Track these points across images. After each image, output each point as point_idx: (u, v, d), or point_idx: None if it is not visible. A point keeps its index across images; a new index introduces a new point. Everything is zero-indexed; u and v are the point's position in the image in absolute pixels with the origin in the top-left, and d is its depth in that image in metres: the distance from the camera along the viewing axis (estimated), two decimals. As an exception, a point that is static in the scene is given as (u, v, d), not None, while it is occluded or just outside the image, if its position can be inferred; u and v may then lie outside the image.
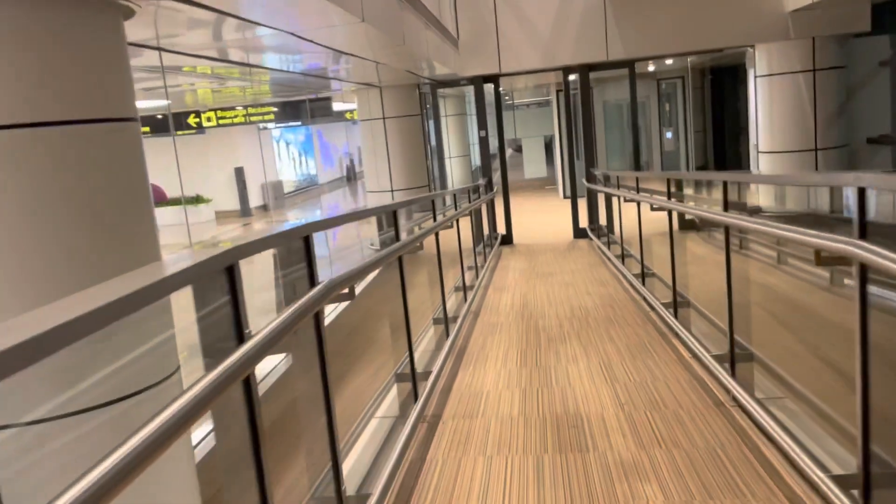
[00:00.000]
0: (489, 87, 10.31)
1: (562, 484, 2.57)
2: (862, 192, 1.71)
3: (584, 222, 10.26)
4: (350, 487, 2.45)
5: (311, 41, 4.22)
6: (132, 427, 0.89)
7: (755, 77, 9.85)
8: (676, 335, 4.22)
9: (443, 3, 8.23)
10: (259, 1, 3.39)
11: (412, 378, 3.32)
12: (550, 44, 9.66)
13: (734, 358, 3.15)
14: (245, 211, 19.18)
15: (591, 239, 9.76)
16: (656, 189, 5.70)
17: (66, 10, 2.31)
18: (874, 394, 1.80)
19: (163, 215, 16.50)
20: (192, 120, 11.59)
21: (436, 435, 3.14)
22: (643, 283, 5.72)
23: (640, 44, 9.53)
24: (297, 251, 1.96)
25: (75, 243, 2.32)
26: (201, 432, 2.99)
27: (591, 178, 9.89)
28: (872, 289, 1.75)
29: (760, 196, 4.18)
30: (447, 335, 4.58)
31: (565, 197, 14.73)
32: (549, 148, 20.40)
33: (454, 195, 5.90)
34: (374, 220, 4.97)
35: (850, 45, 9.37)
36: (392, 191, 10.08)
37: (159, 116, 11.75)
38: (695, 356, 3.75)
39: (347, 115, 17.49)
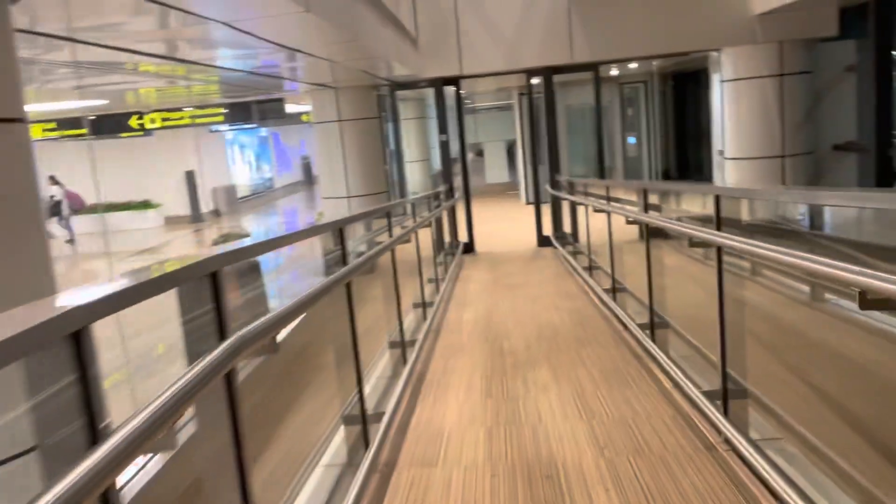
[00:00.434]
0: (450, 90, 9.91)
1: (537, 557, 2.16)
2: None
3: (547, 229, 9.92)
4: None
5: (251, 34, 3.76)
6: None
7: (721, 82, 9.65)
8: (654, 360, 3.86)
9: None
10: (185, -15, 2.93)
11: (362, 420, 2.88)
12: (514, 45, 9.31)
13: (727, 394, 2.79)
14: (196, 216, 18.45)
15: (555, 247, 9.42)
16: (627, 199, 5.36)
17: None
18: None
19: (108, 221, 15.76)
20: (133, 122, 10.95)
21: (389, 488, 2.70)
22: (614, 299, 5.36)
23: (605, 46, 9.24)
24: (203, 290, 1.51)
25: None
26: None
27: (555, 184, 9.56)
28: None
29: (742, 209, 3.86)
30: (404, 361, 4.15)
31: (528, 202, 14.42)
32: (511, 152, 20.11)
33: (412, 204, 5.46)
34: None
35: (816, 49, 9.22)
36: (348, 197, 9.60)
37: (92, 117, 11.08)
38: (677, 386, 3.39)
39: (304, 118, 16.93)
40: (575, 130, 14.26)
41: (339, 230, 2.73)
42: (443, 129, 9.94)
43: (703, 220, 4.02)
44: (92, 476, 0.93)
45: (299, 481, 2.49)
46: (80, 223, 16.56)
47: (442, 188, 9.48)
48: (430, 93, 9.96)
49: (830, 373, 2.79)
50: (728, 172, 9.79)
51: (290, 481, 2.42)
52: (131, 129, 11.06)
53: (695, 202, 5.53)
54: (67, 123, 11.32)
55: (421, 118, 16.24)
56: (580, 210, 8.09)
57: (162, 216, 18.29)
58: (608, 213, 5.29)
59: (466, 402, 3.63)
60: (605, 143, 10.60)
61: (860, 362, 2.62)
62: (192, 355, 1.52)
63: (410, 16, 8.87)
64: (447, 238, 9.40)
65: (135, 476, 1.84)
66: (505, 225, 12.70)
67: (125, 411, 1.10)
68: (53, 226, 15.56)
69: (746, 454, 2.53)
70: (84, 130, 11.22)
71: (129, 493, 1.76)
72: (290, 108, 16.66)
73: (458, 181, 10.32)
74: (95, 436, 1.05)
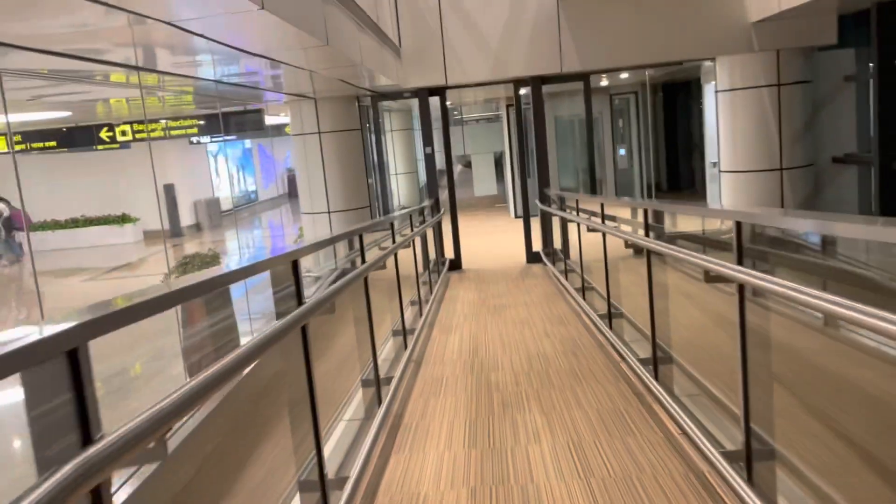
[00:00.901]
0: (435, 101, 9.51)
1: None
2: None
3: (537, 245, 9.51)
4: None
5: (203, 36, 3.33)
6: None
7: (716, 92, 9.30)
8: (658, 401, 3.43)
9: (381, 5, 7.40)
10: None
11: (321, 487, 2.43)
12: (501, 54, 8.93)
13: (751, 456, 2.36)
14: (175, 231, 17.91)
15: (545, 264, 9.02)
16: (624, 217, 4.96)
17: None
18: None
19: (85, 236, 15.26)
20: (104, 134, 10.46)
21: (352, 572, 2.25)
22: (610, 326, 4.95)
23: (595, 56, 8.88)
24: (56, 376, 1.08)
25: None
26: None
27: (544, 198, 9.16)
28: None
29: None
30: (379, 401, 3.70)
31: (517, 216, 14.03)
32: (499, 165, 19.76)
33: (391, 224, 5.03)
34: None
35: (815, 58, 8.90)
36: (329, 212, 9.17)
37: (64, 129, 10.59)
38: (685, 435, 2.96)
39: (287, 130, 16.49)
40: (564, 142, 13.91)
41: (293, 264, 2.30)
42: (428, 141, 9.54)
43: (715, 245, 3.61)
44: None
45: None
46: (50, 239, 16.01)
47: (427, 203, 9.06)
48: (416, 103, 9.56)
49: (868, 424, 2.37)
50: (723, 186, 9.43)
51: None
52: (102, 142, 10.58)
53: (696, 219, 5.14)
54: (35, 136, 10.84)
55: (408, 130, 15.88)
56: (571, 226, 7.69)
57: (140, 231, 17.75)
58: (604, 234, 4.88)
59: (447, 453, 3.19)
60: (596, 156, 10.22)
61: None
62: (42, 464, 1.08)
63: (392, 24, 8.48)
64: (433, 255, 8.98)
65: None
66: (493, 239, 12.29)
67: None
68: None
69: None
70: (53, 143, 10.75)
71: None
72: (274, 119, 16.23)
73: (445, 194, 9.92)
74: None
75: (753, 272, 2.03)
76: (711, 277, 2.30)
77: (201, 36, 3.33)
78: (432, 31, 8.86)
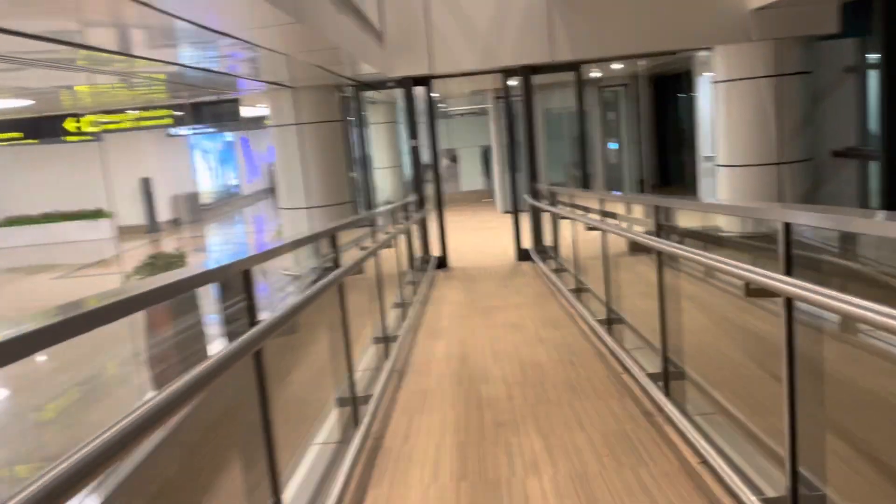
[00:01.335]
0: (420, 91, 9.07)
1: None
2: None
3: (527, 242, 9.12)
4: None
5: (151, 6, 2.89)
6: None
7: (713, 83, 8.94)
8: (670, 421, 3.05)
9: (362, -13, 6.96)
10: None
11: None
12: (489, 42, 8.50)
13: (797, 499, 1.98)
14: (153, 226, 17.35)
15: (535, 262, 8.62)
16: (624, 215, 4.57)
17: None
18: None
19: (58, 231, 14.70)
20: (70, 125, 9.92)
21: None
22: (609, 331, 4.56)
23: (588, 44, 8.47)
24: None
25: None
26: None
27: (535, 193, 8.76)
28: None
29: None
30: (356, 422, 3.29)
31: (504, 211, 13.65)
32: (487, 158, 19.36)
33: (371, 222, 4.60)
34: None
35: (815, 48, 8.55)
36: (308, 207, 8.72)
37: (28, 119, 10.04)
38: (706, 465, 2.58)
39: (267, 122, 15.98)
40: (553, 136, 13.54)
41: (244, 274, 1.88)
42: (413, 133, 9.11)
43: (716, 242, 3.24)
44: None
45: None
46: (21, 234, 15.43)
47: (412, 198, 8.64)
48: (401, 94, 9.13)
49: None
50: (720, 181, 9.08)
51: None
52: (67, 133, 10.04)
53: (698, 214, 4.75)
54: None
55: (392, 122, 15.41)
56: (563, 222, 7.30)
57: (115, 226, 17.18)
58: (603, 233, 4.49)
59: (434, 487, 2.78)
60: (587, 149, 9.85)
61: None
62: None
63: (375, 8, 8.03)
64: (418, 252, 8.56)
65: None
66: (480, 236, 11.89)
67: None
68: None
69: None
70: (17, 134, 10.21)
71: None
72: (255, 111, 15.70)
73: (431, 189, 9.49)
74: None
75: (811, 286, 1.64)
76: (755, 291, 1.90)
77: (160, 11, 2.89)
78: (417, 17, 8.42)
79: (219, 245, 17.61)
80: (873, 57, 8.41)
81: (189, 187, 19.90)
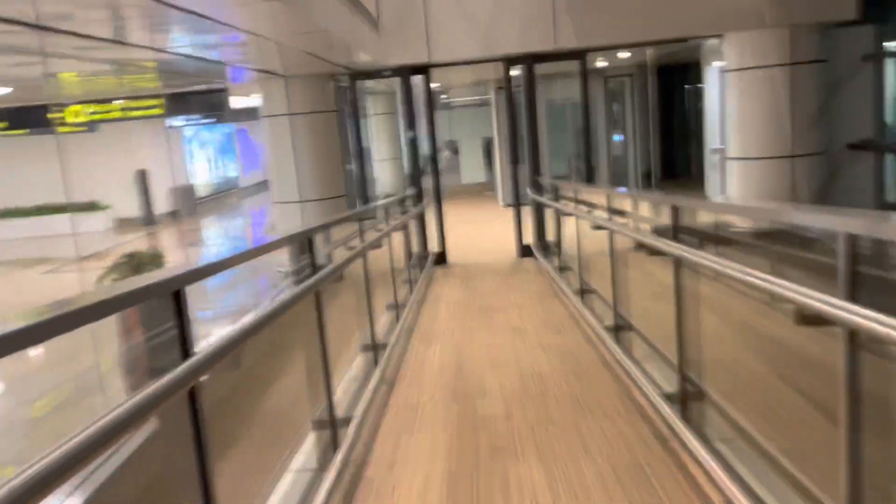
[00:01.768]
0: (418, 80, 8.70)
1: None
2: None
3: (528, 237, 8.75)
4: None
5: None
6: None
7: (724, 72, 8.55)
8: (688, 450, 2.70)
9: (355, -31, 6.58)
10: None
11: None
12: (490, 29, 8.12)
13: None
14: (148, 219, 17.00)
15: (537, 259, 8.27)
16: (633, 212, 4.21)
17: None
18: None
19: (52, 224, 14.35)
20: (57, 115, 9.57)
21: None
22: (617, 339, 4.21)
23: (593, 31, 8.08)
24: None
25: None
26: None
27: (537, 187, 8.40)
28: None
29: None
30: (335, 447, 2.95)
31: (506, 205, 13.28)
32: (488, 150, 18.97)
33: (359, 220, 4.24)
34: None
35: (831, 36, 8.15)
36: (301, 202, 8.37)
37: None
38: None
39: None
40: (556, 128, 13.14)
41: (174, 296, 1.54)
42: (410, 124, 8.75)
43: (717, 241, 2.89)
44: None
45: None
46: (14, 227, 15.12)
47: (409, 192, 8.29)
48: (399, 83, 8.75)
49: None
50: (730, 175, 8.70)
51: None
52: (49, 123, 9.69)
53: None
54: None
55: (391, 114, 15.05)
56: (568, 218, 6.94)
57: (111, 218, 16.85)
58: (611, 233, 4.13)
59: (419, 527, 2.45)
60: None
61: None
62: None
63: (370, -8, 7.65)
64: (415, 248, 8.21)
65: None
66: (481, 230, 11.53)
67: None
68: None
69: None
70: (3, 124, 9.87)
71: None
72: (253, 101, 15.32)
73: (430, 182, 9.13)
74: None
75: (886, 318, 1.28)
76: (811, 319, 1.55)
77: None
78: (415, 2, 8.04)
79: (215, 238, 17.29)
80: (892, 45, 8.03)
81: (185, 179, 19.56)
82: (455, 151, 21.65)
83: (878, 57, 8.12)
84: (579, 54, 8.40)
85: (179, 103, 10.52)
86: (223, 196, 22.73)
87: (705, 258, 2.32)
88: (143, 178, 17.12)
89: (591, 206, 5.41)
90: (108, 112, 9.67)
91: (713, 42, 9.29)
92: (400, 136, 14.97)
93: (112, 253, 14.86)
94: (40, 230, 15.58)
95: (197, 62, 6.71)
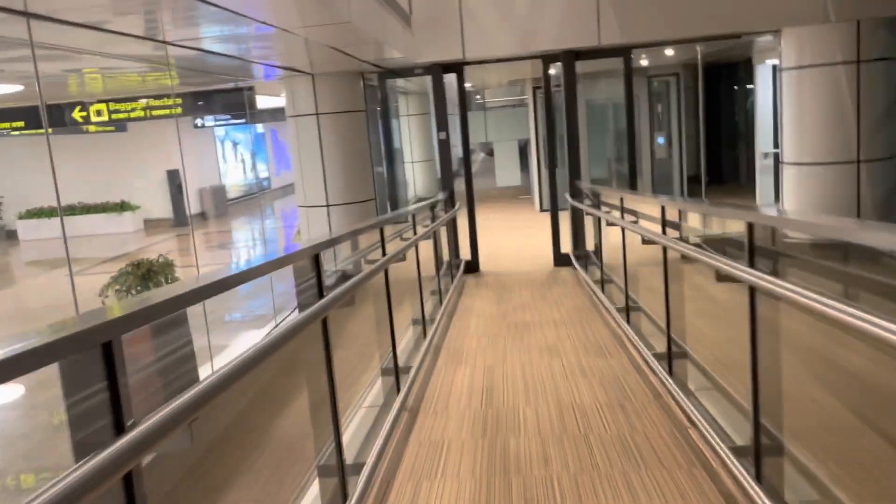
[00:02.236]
0: (451, 79, 8.26)
1: None
2: None
3: (566, 245, 8.24)
4: None
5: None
6: None
7: (780, 70, 7.93)
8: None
9: (385, -41, 6.16)
10: None
11: None
12: (528, 24, 7.64)
13: None
14: (180, 220, 16.86)
15: (576, 269, 7.76)
16: (693, 227, 3.70)
17: None
18: None
19: (82, 224, 14.22)
20: (77, 114, 9.38)
21: None
22: (670, 371, 3.71)
23: (639, 26, 7.55)
24: None
25: None
26: None
27: (576, 193, 7.89)
28: None
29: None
30: (344, 497, 2.51)
31: (542, 210, 12.77)
32: (524, 153, 18.45)
33: (380, 230, 3.80)
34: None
35: (901, 31, 7.50)
36: (328, 206, 8.00)
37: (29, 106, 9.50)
38: None
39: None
40: (596, 129, 12.58)
41: (103, 348, 1.12)
42: (442, 125, 8.31)
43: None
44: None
45: None
46: (44, 227, 15.06)
47: (440, 196, 7.85)
48: (430, 83, 8.32)
49: None
50: (786, 180, 8.08)
51: None
52: (74, 123, 9.50)
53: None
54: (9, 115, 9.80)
55: (426, 114, 14.64)
56: (611, 226, 6.42)
57: (141, 219, 16.74)
58: (665, 249, 3.63)
59: None
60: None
61: None
62: None
63: (402, -14, 7.24)
64: (446, 256, 7.76)
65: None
66: (516, 237, 11.04)
67: None
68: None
69: None
70: (20, 123, 9.72)
71: None
72: (282, 101, 15.06)
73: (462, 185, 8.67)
74: None
75: None
76: None
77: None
78: (449, -3, 7.60)
79: (244, 241, 17.08)
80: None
81: (216, 180, 19.41)
82: (490, 154, 21.17)
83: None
84: (624, 51, 7.87)
85: (207, 102, 10.25)
86: (254, 197, 22.58)
87: (803, 295, 1.82)
88: (173, 178, 16.99)
89: (634, 214, 4.91)
90: (132, 111, 9.45)
91: (766, 39, 8.67)
92: (432, 138, 14.58)
93: (140, 254, 14.71)
94: (70, 231, 15.52)
95: (222, 59, 6.37)
